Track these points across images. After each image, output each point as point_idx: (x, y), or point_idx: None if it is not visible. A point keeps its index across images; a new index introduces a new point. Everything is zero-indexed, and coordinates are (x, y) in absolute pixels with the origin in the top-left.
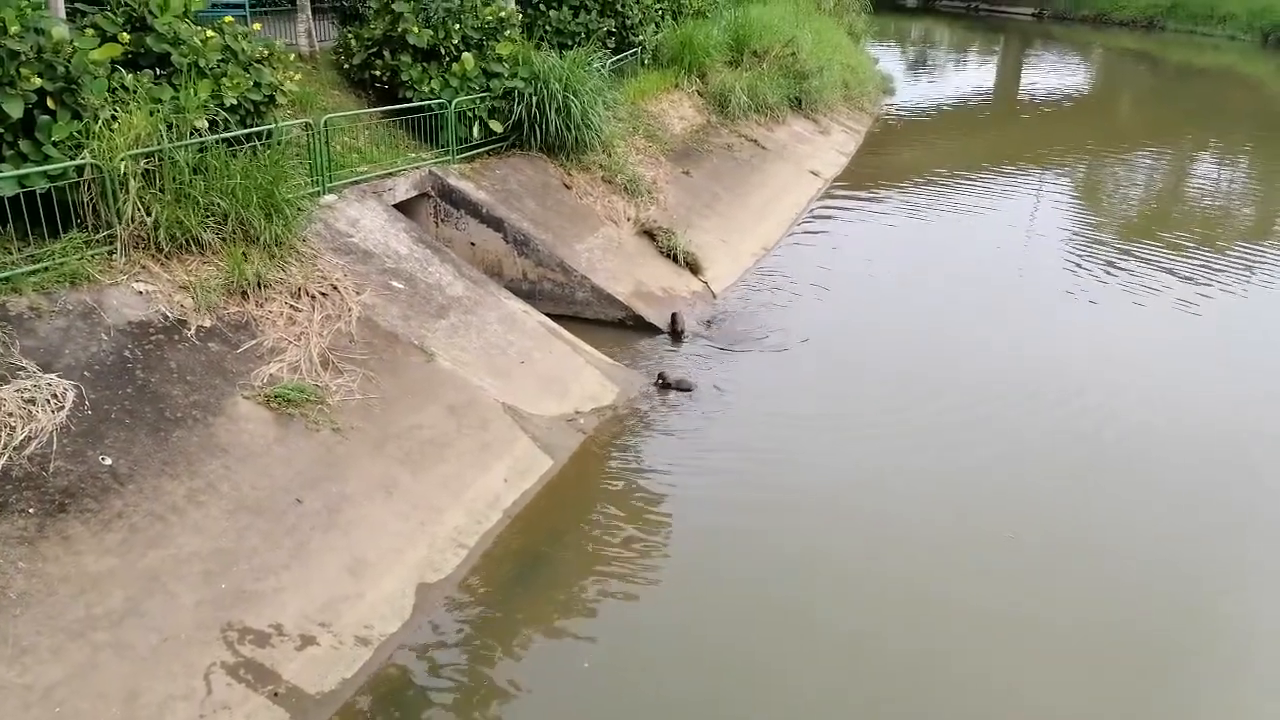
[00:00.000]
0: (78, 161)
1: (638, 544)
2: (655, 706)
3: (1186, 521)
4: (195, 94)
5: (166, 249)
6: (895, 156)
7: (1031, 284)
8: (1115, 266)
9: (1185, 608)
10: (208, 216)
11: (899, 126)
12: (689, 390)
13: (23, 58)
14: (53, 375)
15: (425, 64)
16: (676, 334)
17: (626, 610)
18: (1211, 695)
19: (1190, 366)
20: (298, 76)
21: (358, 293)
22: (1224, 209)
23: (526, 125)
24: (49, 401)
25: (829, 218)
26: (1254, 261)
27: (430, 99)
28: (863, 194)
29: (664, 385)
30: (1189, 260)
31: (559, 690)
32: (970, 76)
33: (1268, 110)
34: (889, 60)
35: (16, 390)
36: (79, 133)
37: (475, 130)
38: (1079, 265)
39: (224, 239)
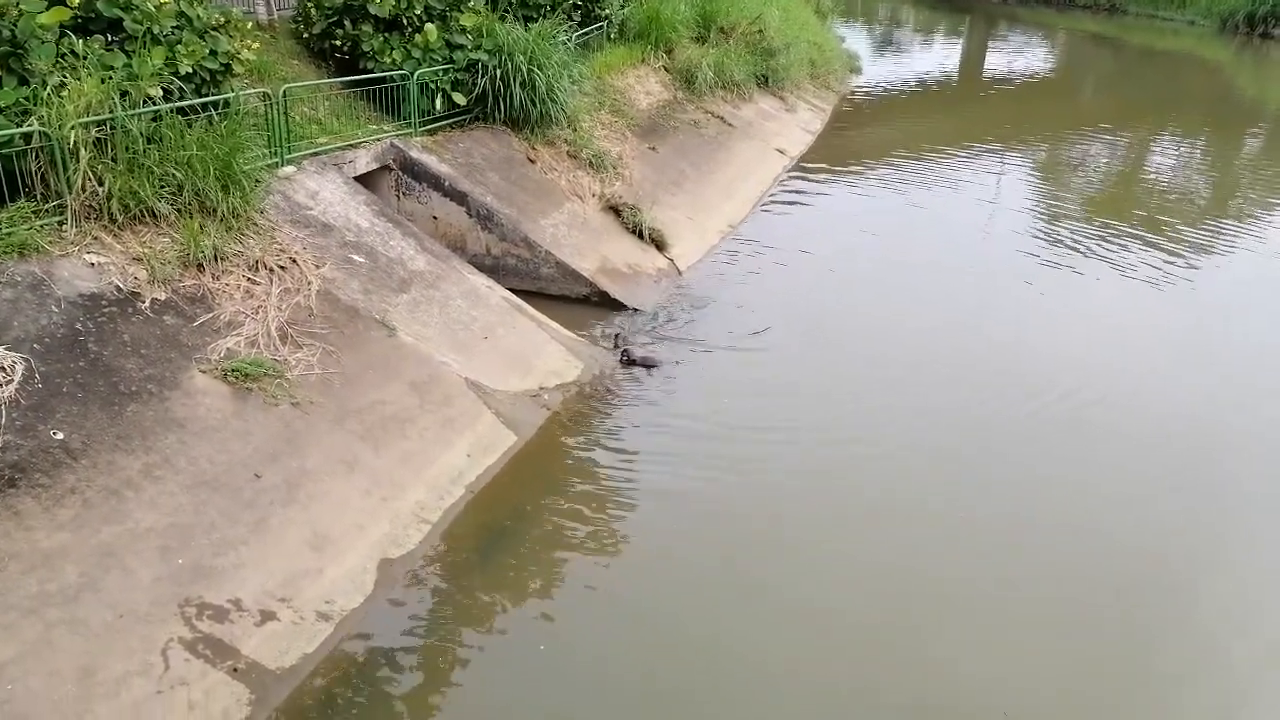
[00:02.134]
0: (24, 129)
1: (601, 521)
2: (614, 686)
3: (1155, 499)
4: (149, 61)
5: (119, 220)
6: (861, 135)
7: (994, 262)
8: (1077, 245)
9: (1155, 585)
10: (162, 187)
11: (865, 105)
12: (654, 366)
13: None
14: (0, 348)
15: (387, 34)
16: (629, 362)
17: (589, 587)
18: (1178, 673)
19: (1154, 344)
20: (255, 45)
21: (317, 266)
22: (1183, 189)
23: (490, 98)
24: None
25: (795, 196)
26: (1211, 240)
27: (392, 70)
28: (828, 172)
29: (629, 362)
30: (1150, 239)
31: (520, 667)
32: (936, 57)
33: (1225, 94)
34: (855, 39)
35: None
36: (26, 99)
37: (438, 103)
38: (1042, 244)
39: (179, 210)
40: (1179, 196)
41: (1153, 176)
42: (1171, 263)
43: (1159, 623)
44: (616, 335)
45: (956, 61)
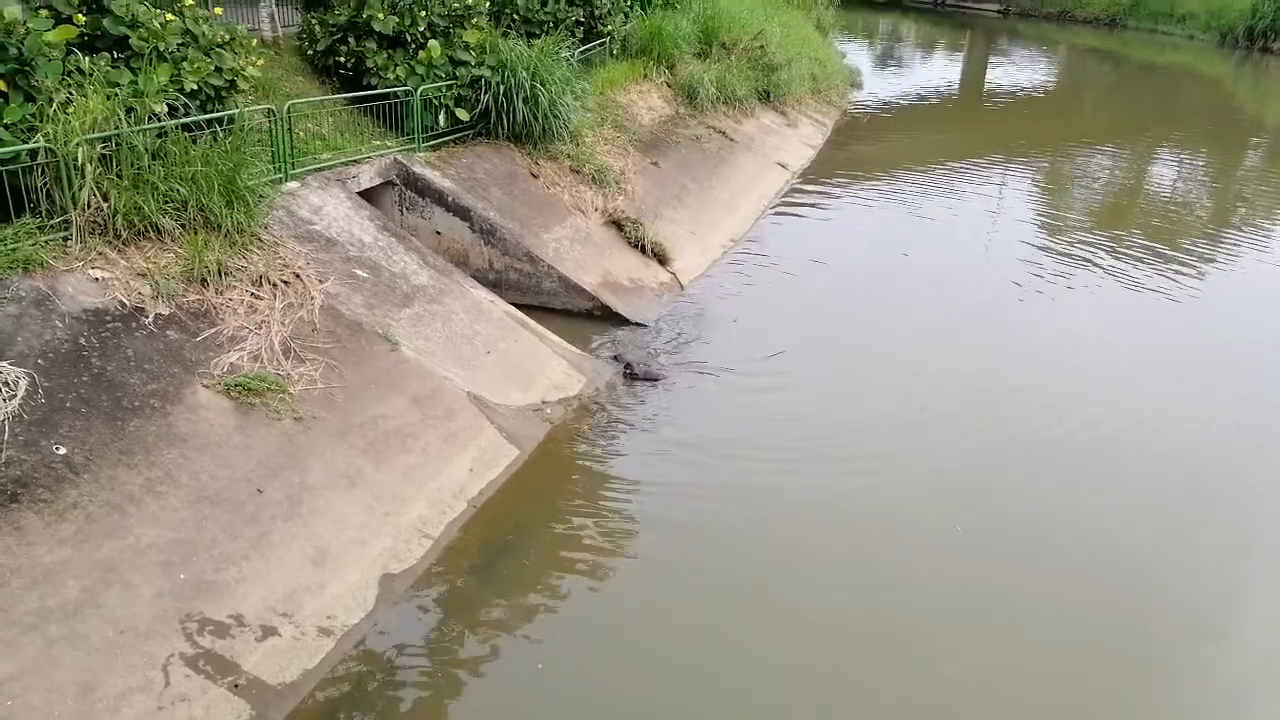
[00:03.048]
0: (30, 145)
1: (602, 535)
2: (615, 701)
3: (1169, 512)
4: (154, 78)
5: (124, 236)
6: (862, 150)
7: (996, 275)
8: (1079, 260)
9: (1154, 598)
10: (167, 203)
11: (866, 120)
12: (656, 380)
13: None
14: (4, 363)
15: (390, 51)
16: (632, 376)
17: (590, 602)
18: (1171, 680)
19: (1156, 358)
20: (260, 62)
21: (320, 281)
22: (1184, 203)
23: (493, 114)
24: (0, 390)
25: (797, 210)
26: (1213, 253)
27: (396, 86)
28: (829, 187)
29: (631, 376)
30: (1156, 251)
31: (521, 683)
32: (937, 71)
33: (1225, 108)
34: (856, 54)
35: None
36: (32, 116)
37: (441, 118)
38: (1043, 259)
39: (184, 226)
40: (1182, 209)
41: (1154, 189)
42: (1179, 274)
43: (1167, 640)
44: (618, 356)
45: (957, 76)
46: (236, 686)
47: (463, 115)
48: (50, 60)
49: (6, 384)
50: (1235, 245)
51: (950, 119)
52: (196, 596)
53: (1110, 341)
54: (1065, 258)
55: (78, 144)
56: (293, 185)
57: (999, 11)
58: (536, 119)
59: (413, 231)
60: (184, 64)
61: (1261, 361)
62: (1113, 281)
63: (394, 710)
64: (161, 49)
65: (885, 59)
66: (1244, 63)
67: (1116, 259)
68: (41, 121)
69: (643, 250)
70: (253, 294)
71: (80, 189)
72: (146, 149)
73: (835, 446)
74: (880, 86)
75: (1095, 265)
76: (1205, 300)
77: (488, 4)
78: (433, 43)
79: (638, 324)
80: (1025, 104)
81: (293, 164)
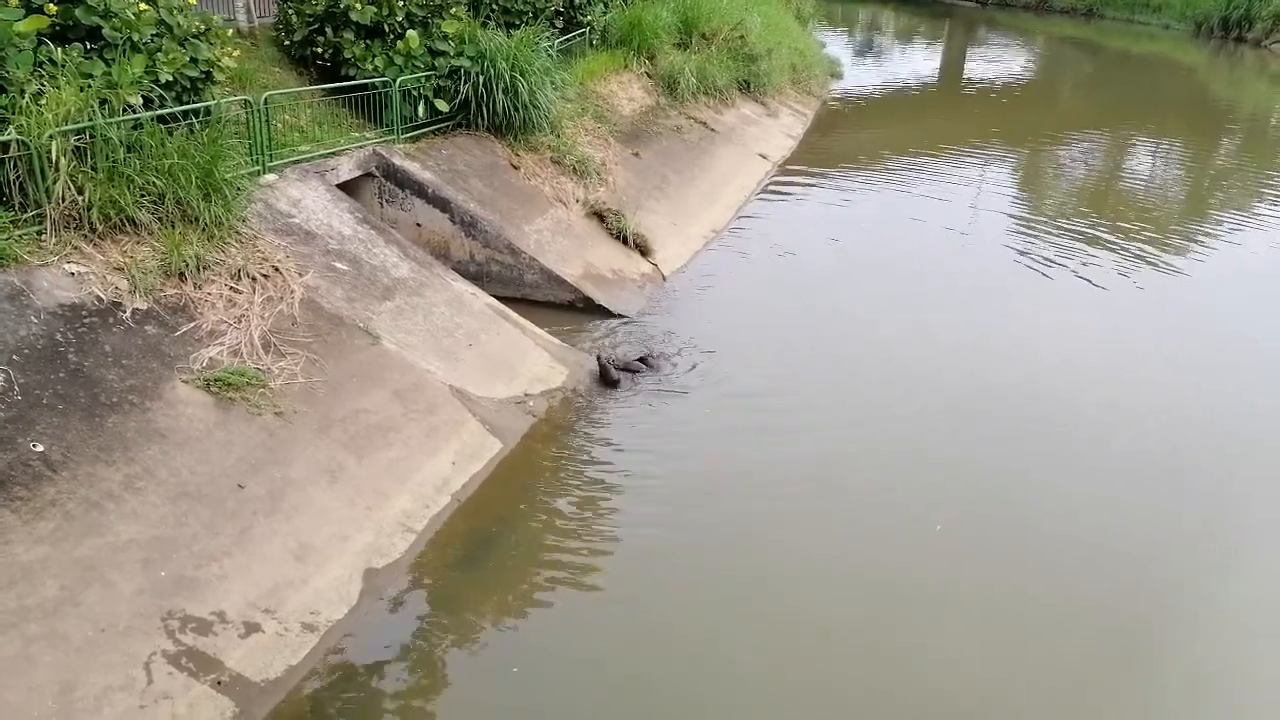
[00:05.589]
0: (2, 138)
1: (587, 527)
2: (601, 695)
3: (1166, 510)
4: (128, 69)
5: (100, 229)
6: (842, 140)
7: (980, 268)
8: (1057, 248)
9: (1137, 588)
10: (143, 196)
11: (846, 110)
12: (636, 372)
13: None
14: None
15: (368, 41)
16: (610, 381)
17: (574, 596)
18: (1156, 671)
19: (1133, 346)
20: (236, 53)
21: (300, 274)
22: (1160, 192)
23: (473, 105)
24: None
25: (777, 200)
26: (1189, 240)
27: (374, 77)
28: (810, 177)
29: (621, 368)
30: (1129, 241)
31: (506, 676)
32: (916, 62)
33: (1199, 97)
34: (836, 44)
35: None
36: (4, 108)
37: (421, 109)
38: (1022, 247)
39: (160, 219)
40: (1160, 197)
41: (1130, 179)
42: (1162, 263)
43: (1161, 633)
44: (638, 358)
45: (936, 66)
46: (219, 683)
47: (442, 106)
48: (21, 51)
49: None
50: (1214, 233)
51: (930, 108)
52: (178, 593)
53: (1101, 335)
54: (1050, 247)
55: (51, 136)
56: (271, 178)
57: (977, 2)
58: (516, 110)
59: (393, 224)
60: (159, 55)
61: (1253, 353)
62: (1099, 271)
63: (378, 705)
64: (135, 40)
65: (865, 49)
66: (1219, 52)
67: (1100, 248)
68: (13, 113)
69: (624, 241)
70: (231, 288)
71: (54, 182)
72: (121, 141)
73: (827, 441)
74: (860, 76)
75: (1080, 255)
76: (1190, 289)
77: None
78: (411, 33)
79: (620, 315)
80: (1004, 93)
81: (271, 156)
